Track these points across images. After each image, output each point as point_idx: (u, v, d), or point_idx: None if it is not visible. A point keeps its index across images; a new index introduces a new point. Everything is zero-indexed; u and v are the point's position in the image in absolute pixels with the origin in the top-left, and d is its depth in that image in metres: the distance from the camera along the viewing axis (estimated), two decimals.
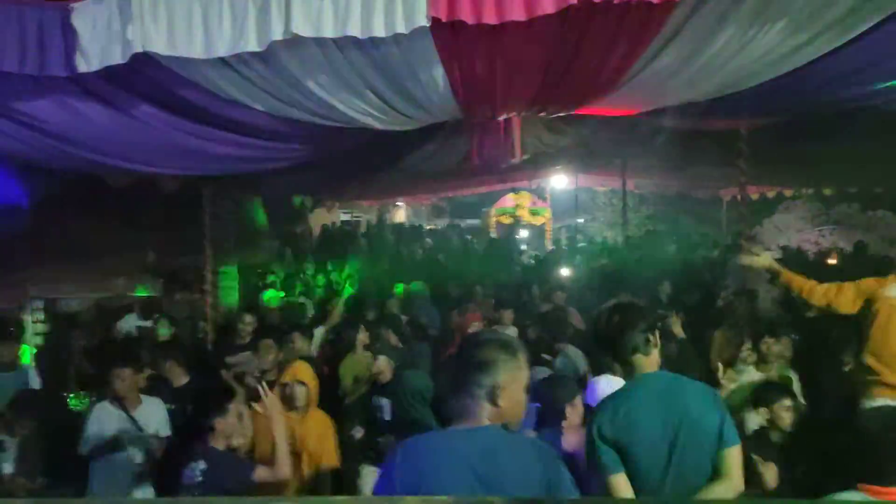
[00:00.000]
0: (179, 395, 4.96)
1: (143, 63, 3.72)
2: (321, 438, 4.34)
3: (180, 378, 5.20)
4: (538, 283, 9.79)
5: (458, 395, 2.17)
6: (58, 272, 7.33)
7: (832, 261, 11.82)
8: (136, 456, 4.39)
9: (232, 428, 3.51)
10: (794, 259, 11.78)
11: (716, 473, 2.60)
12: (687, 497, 2.58)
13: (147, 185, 7.59)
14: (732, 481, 2.58)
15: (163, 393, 4.91)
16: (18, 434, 4.33)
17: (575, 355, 5.44)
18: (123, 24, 3.48)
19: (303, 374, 4.37)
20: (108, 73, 3.71)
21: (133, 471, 4.40)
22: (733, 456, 2.62)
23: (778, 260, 11.20)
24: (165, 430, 4.64)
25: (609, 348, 2.87)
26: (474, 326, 6.26)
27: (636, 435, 2.63)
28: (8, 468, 4.21)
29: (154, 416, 4.61)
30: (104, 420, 4.45)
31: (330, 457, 4.34)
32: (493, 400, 2.11)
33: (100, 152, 5.37)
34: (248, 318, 6.54)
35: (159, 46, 3.50)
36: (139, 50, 3.48)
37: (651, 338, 2.76)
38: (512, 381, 2.14)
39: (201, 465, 3.31)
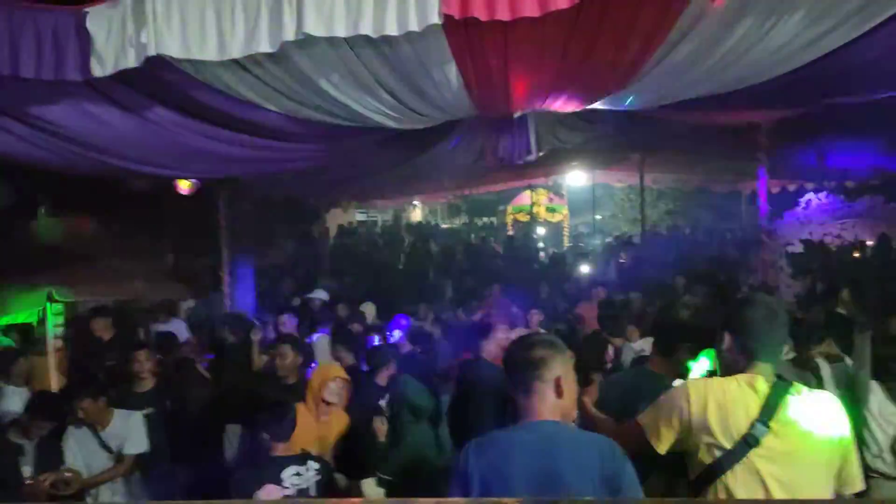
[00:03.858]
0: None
1: (158, 66, 3.73)
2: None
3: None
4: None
5: (518, 395, 2.25)
6: (77, 275, 7.38)
7: (856, 254, 11.63)
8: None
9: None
10: (816, 253, 11.63)
11: None
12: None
13: (165, 187, 7.66)
14: None
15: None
16: (35, 437, 4.34)
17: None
18: (137, 27, 3.49)
19: (336, 372, 4.50)
20: (123, 76, 3.72)
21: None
22: None
23: (799, 254, 11.13)
24: (140, 446, 4.55)
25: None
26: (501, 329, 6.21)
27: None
28: (26, 471, 4.22)
29: (127, 431, 4.52)
30: (75, 444, 4.40)
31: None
32: (558, 392, 2.19)
33: (116, 156, 5.41)
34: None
35: (173, 49, 3.50)
36: (153, 53, 3.49)
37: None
38: (567, 373, 2.24)
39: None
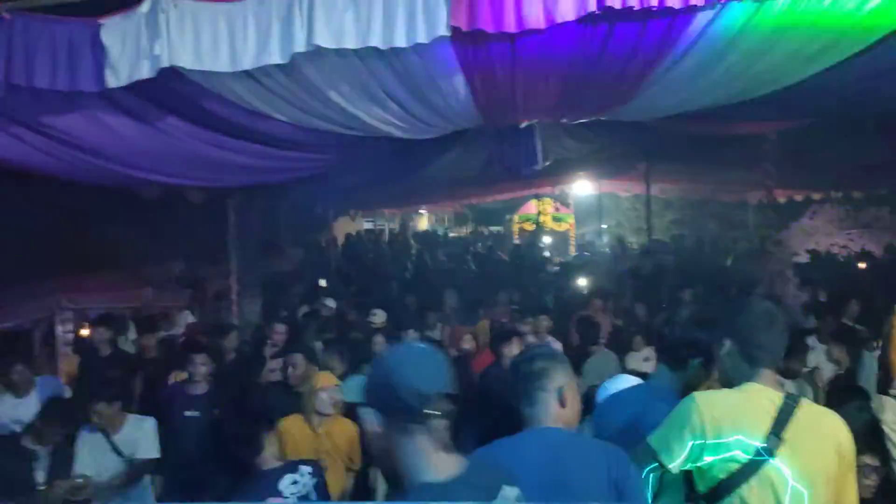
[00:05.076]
0: None
1: (170, 77, 3.80)
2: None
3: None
4: None
5: (523, 406, 2.32)
6: (88, 282, 7.45)
7: (862, 264, 11.61)
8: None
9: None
10: (823, 263, 11.61)
11: None
12: None
13: (174, 196, 7.71)
14: None
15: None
16: (49, 443, 4.37)
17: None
18: (151, 39, 3.56)
19: (327, 381, 4.37)
20: (137, 87, 3.79)
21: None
22: None
23: (806, 264, 11.11)
24: (152, 453, 4.54)
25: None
26: (467, 340, 6.20)
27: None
28: (40, 477, 4.25)
29: (139, 437, 4.52)
30: (86, 448, 4.43)
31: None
32: (562, 401, 2.27)
33: (129, 165, 5.47)
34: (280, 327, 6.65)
35: (186, 61, 3.57)
36: (166, 64, 3.56)
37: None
38: (569, 383, 2.33)
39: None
